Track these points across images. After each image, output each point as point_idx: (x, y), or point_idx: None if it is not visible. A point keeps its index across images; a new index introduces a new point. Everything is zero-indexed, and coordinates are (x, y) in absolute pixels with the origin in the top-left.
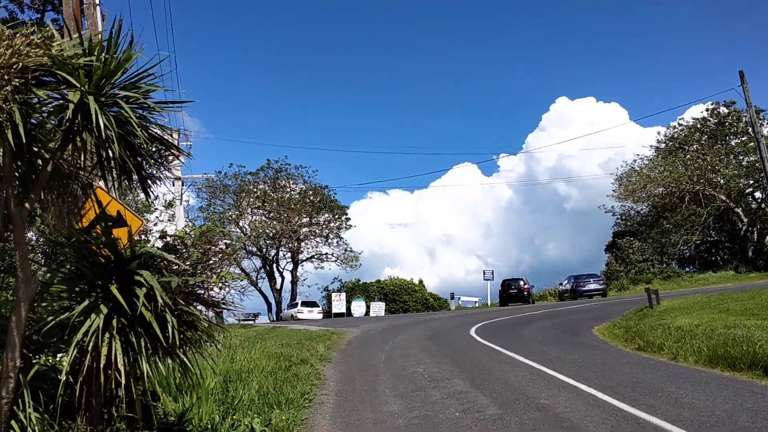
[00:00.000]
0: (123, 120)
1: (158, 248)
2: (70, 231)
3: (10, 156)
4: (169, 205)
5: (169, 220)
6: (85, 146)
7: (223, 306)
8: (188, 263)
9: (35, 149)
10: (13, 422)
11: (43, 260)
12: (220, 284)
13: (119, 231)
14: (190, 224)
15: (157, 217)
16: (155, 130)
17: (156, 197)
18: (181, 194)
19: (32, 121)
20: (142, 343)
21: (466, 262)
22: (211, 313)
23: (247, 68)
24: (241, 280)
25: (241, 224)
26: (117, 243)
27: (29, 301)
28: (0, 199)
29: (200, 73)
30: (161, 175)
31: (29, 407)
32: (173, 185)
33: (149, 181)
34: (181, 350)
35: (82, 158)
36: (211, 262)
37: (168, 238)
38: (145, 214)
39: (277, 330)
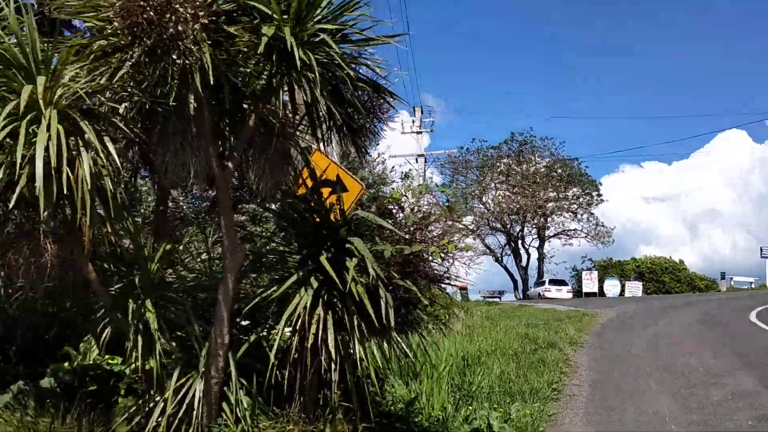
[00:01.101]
0: (326, 61)
1: (371, 212)
2: (277, 195)
3: (207, 108)
4: (406, 176)
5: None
6: (293, 94)
7: (447, 281)
8: (404, 230)
9: (234, 100)
10: (224, 404)
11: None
12: (442, 255)
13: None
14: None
15: (392, 189)
16: (364, 72)
17: (367, 153)
18: (424, 171)
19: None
20: (355, 322)
21: (735, 239)
22: (451, 290)
23: (485, 41)
24: (467, 250)
25: (484, 200)
26: (332, 208)
27: (236, 272)
28: (200, 159)
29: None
30: (375, 128)
31: (239, 389)
32: (416, 161)
33: (361, 135)
34: (398, 330)
35: (280, 105)
36: (431, 228)
37: (380, 201)
38: (382, 188)
39: (522, 309)
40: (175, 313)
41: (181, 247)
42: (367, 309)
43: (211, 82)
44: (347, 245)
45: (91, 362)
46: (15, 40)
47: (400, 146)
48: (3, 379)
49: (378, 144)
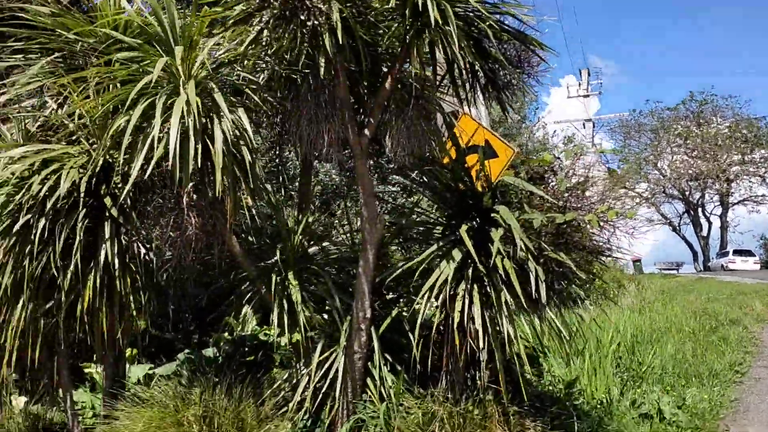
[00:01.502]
0: (465, 13)
1: (519, 177)
2: (417, 162)
3: (341, 72)
4: (569, 140)
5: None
6: (432, 51)
7: (608, 252)
8: (557, 196)
9: (369, 62)
10: (368, 381)
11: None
12: (600, 223)
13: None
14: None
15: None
16: (510, 23)
17: (512, 111)
18: (592, 137)
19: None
20: (502, 298)
21: None
22: (622, 262)
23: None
24: (630, 217)
25: (659, 165)
26: (478, 176)
27: (376, 244)
28: (335, 127)
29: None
30: (524, 85)
31: (383, 365)
32: (583, 127)
33: (508, 92)
34: (551, 306)
35: (417, 64)
36: (588, 194)
37: (529, 165)
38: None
39: (702, 281)
40: (317, 286)
41: (324, 219)
42: (513, 282)
43: (341, 41)
44: (492, 215)
45: (248, 333)
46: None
47: (565, 112)
48: (172, 348)
49: (531, 102)
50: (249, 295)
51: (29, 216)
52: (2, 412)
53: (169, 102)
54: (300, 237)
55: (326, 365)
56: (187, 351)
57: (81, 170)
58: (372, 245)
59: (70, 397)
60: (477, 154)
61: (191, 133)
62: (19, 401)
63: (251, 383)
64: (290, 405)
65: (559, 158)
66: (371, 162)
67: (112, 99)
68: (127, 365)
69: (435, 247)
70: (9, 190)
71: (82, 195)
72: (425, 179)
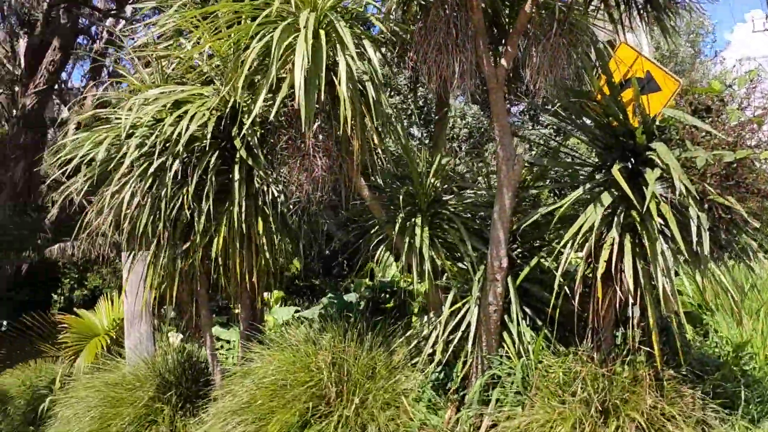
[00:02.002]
0: None
1: (680, 109)
2: (564, 93)
3: None
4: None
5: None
6: None
7: None
8: (726, 131)
9: None
10: (505, 335)
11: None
12: None
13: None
14: None
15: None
16: None
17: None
18: None
19: None
20: (658, 248)
21: None
22: None
23: None
24: None
25: None
26: (636, 111)
27: (513, 186)
28: (467, 56)
29: None
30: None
31: (521, 320)
32: None
33: (669, 12)
34: (716, 259)
35: None
36: (766, 128)
37: (694, 95)
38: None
39: None
40: (449, 233)
41: (460, 161)
42: (672, 230)
43: None
44: (648, 153)
45: (389, 279)
46: None
47: (749, 48)
48: (315, 291)
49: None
50: (378, 240)
51: (162, 158)
52: (156, 349)
53: (291, 36)
54: (432, 180)
55: (458, 316)
56: (330, 295)
57: (212, 111)
58: (509, 188)
59: (210, 337)
60: (647, 87)
61: (313, 68)
62: (176, 338)
63: (382, 331)
64: (422, 356)
65: (731, 86)
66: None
67: (237, 35)
68: (275, 306)
69: (581, 190)
70: (144, 132)
71: (208, 136)
72: (572, 115)
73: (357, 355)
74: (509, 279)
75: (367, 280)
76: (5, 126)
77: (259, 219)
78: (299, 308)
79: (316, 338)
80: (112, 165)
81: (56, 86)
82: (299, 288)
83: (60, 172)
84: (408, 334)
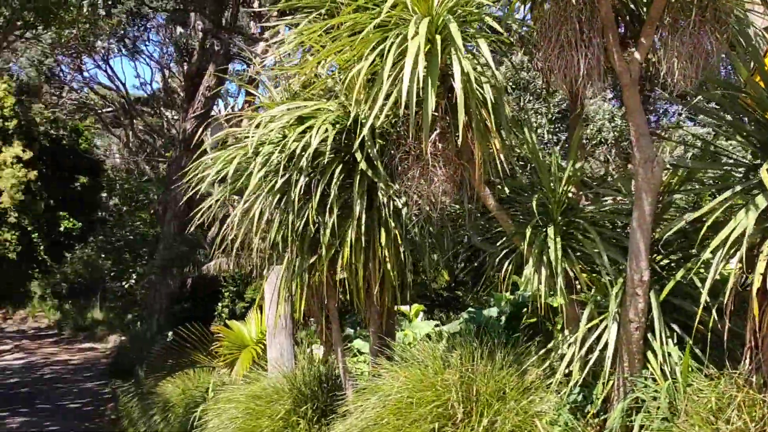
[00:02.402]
0: None
1: None
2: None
3: None
4: None
5: None
6: None
7: None
8: None
9: None
10: (649, 354)
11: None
12: None
13: None
14: None
15: None
16: None
17: None
18: None
19: None
20: None
21: None
22: None
23: None
24: None
25: None
26: None
27: (653, 191)
28: (595, 51)
29: None
30: None
31: (666, 338)
32: None
33: None
34: None
35: None
36: None
37: None
38: None
39: None
40: (584, 243)
41: (599, 163)
42: None
43: None
44: None
45: (530, 293)
46: None
47: None
48: (455, 305)
49: None
50: (504, 252)
51: (288, 173)
52: (297, 362)
53: (405, 44)
54: (565, 186)
55: (596, 333)
56: (470, 309)
57: (334, 125)
58: (648, 193)
59: (341, 351)
60: None
61: (425, 74)
62: (320, 351)
63: (514, 348)
64: (556, 376)
65: None
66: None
67: (357, 46)
68: (415, 320)
69: (729, 193)
70: (269, 149)
71: (328, 150)
72: (723, 110)
73: (486, 373)
74: (652, 293)
75: (507, 293)
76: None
77: (382, 231)
78: (439, 322)
79: (445, 355)
80: (240, 182)
81: (211, 110)
82: (445, 300)
83: (195, 190)
84: (541, 352)
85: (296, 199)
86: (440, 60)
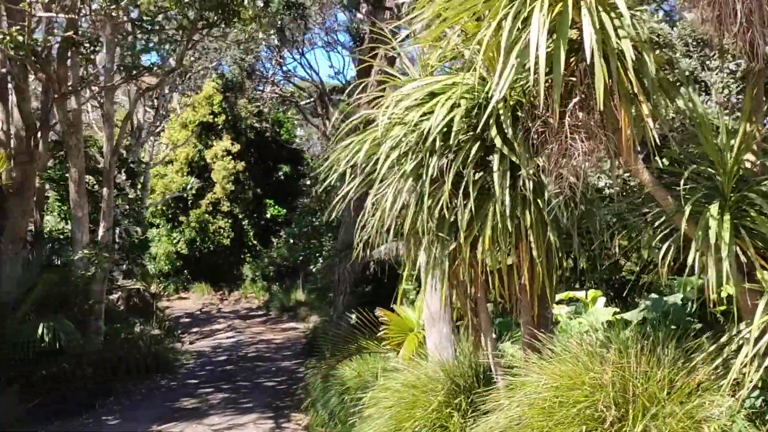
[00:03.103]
0: None
1: None
2: None
3: None
4: None
5: None
6: None
7: None
8: None
9: None
10: None
11: None
12: None
13: None
14: None
15: None
16: None
17: None
18: None
19: None
20: None
21: None
22: None
23: None
24: None
25: None
26: None
27: None
28: None
29: None
30: None
31: None
32: None
33: None
34: None
35: None
36: None
37: None
38: None
39: None
40: (759, 222)
41: None
42: None
43: None
44: None
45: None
46: None
47: None
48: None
49: None
50: (663, 233)
51: (420, 155)
52: (454, 351)
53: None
54: (735, 155)
55: None
56: (653, 296)
57: (468, 99)
58: None
59: (490, 342)
60: None
61: (556, 37)
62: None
63: (681, 342)
64: (729, 375)
65: None
66: None
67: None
68: (592, 307)
69: None
70: (397, 132)
71: (455, 127)
72: None
73: (646, 371)
74: None
75: (694, 278)
76: None
77: (526, 213)
78: (618, 309)
79: (598, 350)
80: (369, 166)
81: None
82: (621, 284)
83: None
84: (711, 348)
85: (428, 182)
86: (570, 15)
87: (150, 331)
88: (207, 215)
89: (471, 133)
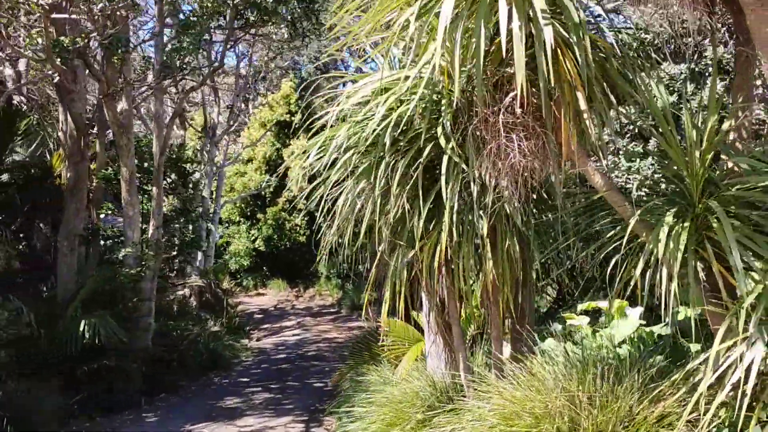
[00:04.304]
0: None
1: None
2: None
3: None
4: None
5: None
6: None
7: None
8: None
9: None
10: None
11: None
12: None
13: None
14: None
15: None
16: None
17: None
18: None
19: None
20: None
21: None
22: None
23: None
24: None
25: None
26: None
27: None
28: None
29: None
30: None
31: None
32: None
33: None
34: None
35: None
36: None
37: None
38: None
39: None
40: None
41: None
42: None
43: None
44: None
45: None
46: None
47: None
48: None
49: None
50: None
51: (369, 156)
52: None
53: None
54: (704, 154)
55: (732, 357)
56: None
57: (410, 95)
58: None
59: (462, 360)
60: None
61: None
62: (506, 349)
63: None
64: (686, 409)
65: None
66: None
67: None
68: (616, 319)
69: None
70: (345, 132)
71: (391, 123)
72: None
73: (603, 400)
74: None
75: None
76: None
77: (483, 220)
78: (644, 322)
79: (547, 374)
80: (322, 166)
81: None
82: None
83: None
84: (676, 376)
85: (377, 184)
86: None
87: (210, 328)
88: (284, 213)
89: (424, 130)
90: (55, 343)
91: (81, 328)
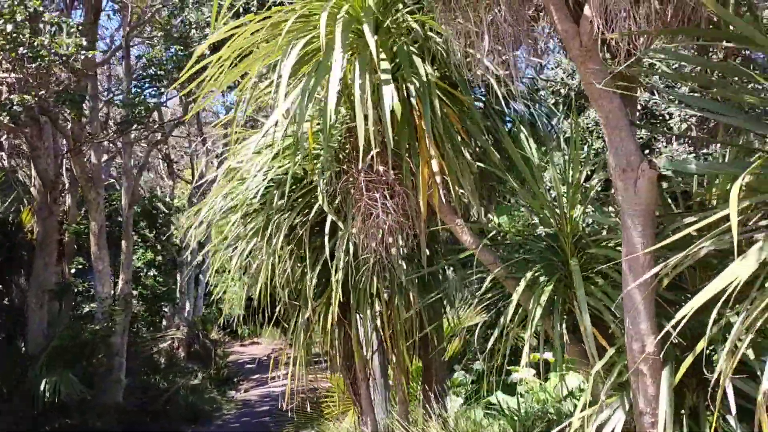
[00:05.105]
0: None
1: None
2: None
3: None
4: None
5: None
6: None
7: None
8: None
9: None
10: None
11: None
12: None
13: None
14: None
15: None
16: None
17: None
18: None
19: None
20: None
21: None
22: None
23: None
24: None
25: None
26: None
27: (644, 214)
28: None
29: None
30: None
31: None
32: None
33: None
34: None
35: None
36: None
37: None
38: None
39: None
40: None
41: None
42: None
43: None
44: None
45: None
46: None
47: None
48: None
49: None
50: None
51: (259, 216)
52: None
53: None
54: (571, 208)
55: (598, 422)
56: None
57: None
58: (637, 218)
59: (371, 422)
60: None
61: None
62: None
63: None
64: None
65: None
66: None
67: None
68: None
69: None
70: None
71: (287, 185)
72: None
73: None
74: (665, 372)
75: None
76: None
77: (374, 279)
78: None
79: None
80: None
81: None
82: None
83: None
84: None
85: (264, 244)
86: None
87: (192, 381)
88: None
89: (306, 189)
90: (25, 402)
91: (42, 387)
